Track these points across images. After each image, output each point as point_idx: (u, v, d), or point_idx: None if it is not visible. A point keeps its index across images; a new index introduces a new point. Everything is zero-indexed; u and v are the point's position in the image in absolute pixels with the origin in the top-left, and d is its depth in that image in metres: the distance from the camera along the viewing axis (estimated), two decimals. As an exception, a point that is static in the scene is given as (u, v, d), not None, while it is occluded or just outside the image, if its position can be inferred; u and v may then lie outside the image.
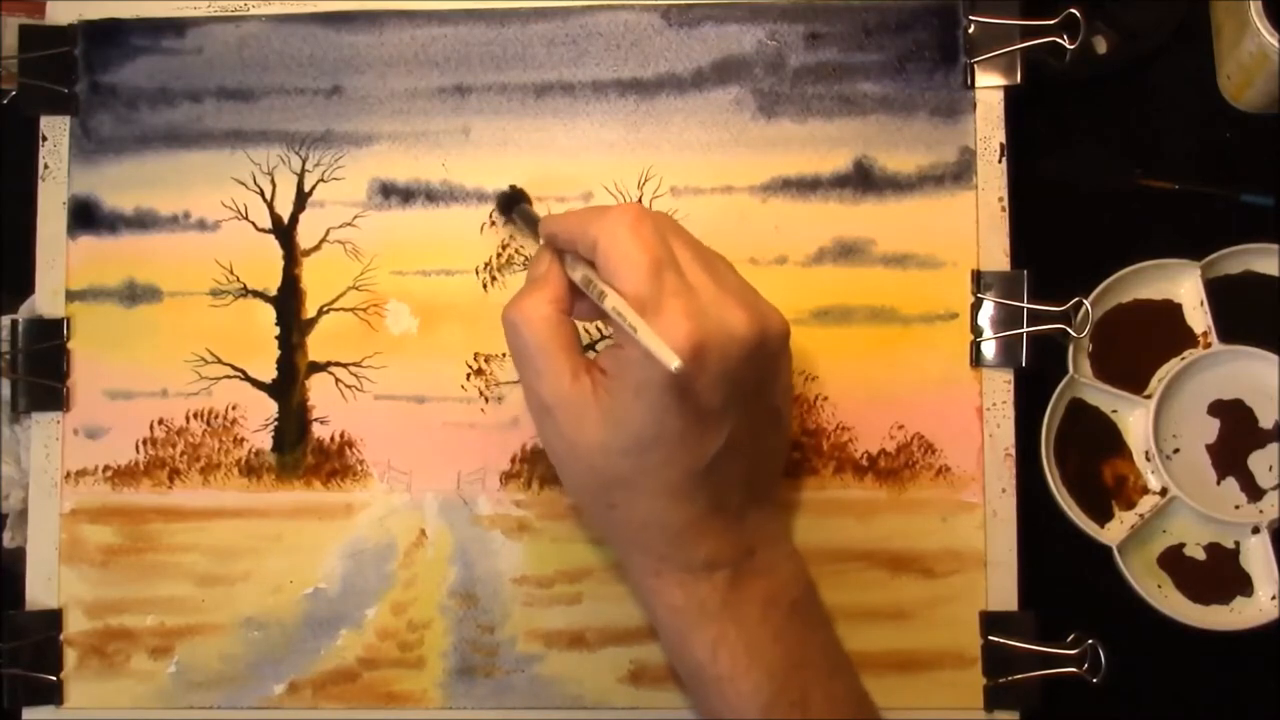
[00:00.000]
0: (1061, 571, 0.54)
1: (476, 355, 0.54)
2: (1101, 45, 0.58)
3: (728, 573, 0.45)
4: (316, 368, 0.55)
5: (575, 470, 0.45)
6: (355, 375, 0.55)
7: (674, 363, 0.38)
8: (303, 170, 0.55)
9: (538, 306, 0.44)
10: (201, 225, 0.55)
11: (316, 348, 0.55)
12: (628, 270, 0.41)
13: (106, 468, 0.55)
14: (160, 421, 0.55)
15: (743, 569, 0.46)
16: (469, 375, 0.54)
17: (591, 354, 0.46)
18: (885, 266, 0.54)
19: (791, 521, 0.53)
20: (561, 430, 0.44)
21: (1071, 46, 0.53)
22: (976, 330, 0.54)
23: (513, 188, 0.54)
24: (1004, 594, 0.53)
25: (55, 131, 0.56)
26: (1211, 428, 0.56)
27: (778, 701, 0.44)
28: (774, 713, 0.44)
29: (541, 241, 0.47)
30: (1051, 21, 0.53)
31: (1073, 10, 0.52)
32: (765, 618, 0.45)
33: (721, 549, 0.45)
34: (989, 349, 0.54)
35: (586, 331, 0.54)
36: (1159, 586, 0.56)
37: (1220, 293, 0.56)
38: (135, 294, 0.55)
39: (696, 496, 0.44)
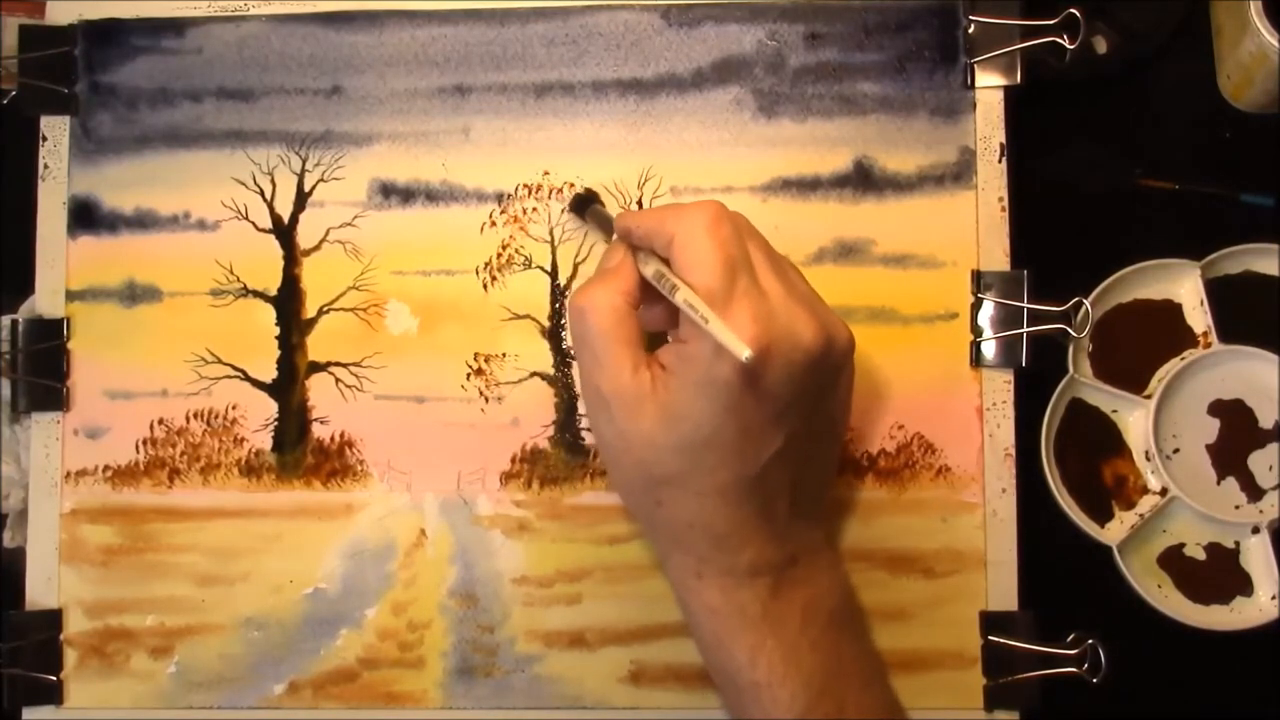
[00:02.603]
0: (1061, 571, 0.54)
1: (476, 355, 0.54)
2: (1101, 45, 0.58)
3: (769, 580, 0.45)
4: (316, 368, 0.55)
5: (625, 464, 0.44)
6: (355, 375, 0.55)
7: (744, 353, 0.38)
8: (303, 170, 0.55)
9: (607, 296, 0.44)
10: (201, 225, 0.55)
11: (316, 348, 0.55)
12: (702, 267, 0.41)
13: (106, 468, 0.55)
14: (160, 421, 0.55)
15: (785, 577, 0.45)
16: (469, 375, 0.54)
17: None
18: (885, 266, 0.54)
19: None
20: (616, 422, 0.43)
21: (1071, 46, 0.53)
22: (976, 330, 0.54)
23: (587, 190, 0.54)
24: (1004, 594, 0.53)
25: (55, 131, 0.56)
26: (1211, 428, 0.56)
27: (813, 710, 0.44)
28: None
29: (615, 236, 0.47)
30: (1051, 21, 0.53)
31: (1073, 10, 0.52)
32: (805, 627, 0.45)
33: (765, 555, 0.45)
34: (989, 349, 0.54)
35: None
36: (1159, 586, 0.56)
37: (1220, 293, 0.56)
38: (135, 294, 0.55)
39: (745, 501, 0.43)
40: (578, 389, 0.54)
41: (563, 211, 0.55)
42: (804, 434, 0.44)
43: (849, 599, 0.49)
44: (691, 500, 0.44)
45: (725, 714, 0.48)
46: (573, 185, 0.55)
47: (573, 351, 0.44)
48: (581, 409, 0.54)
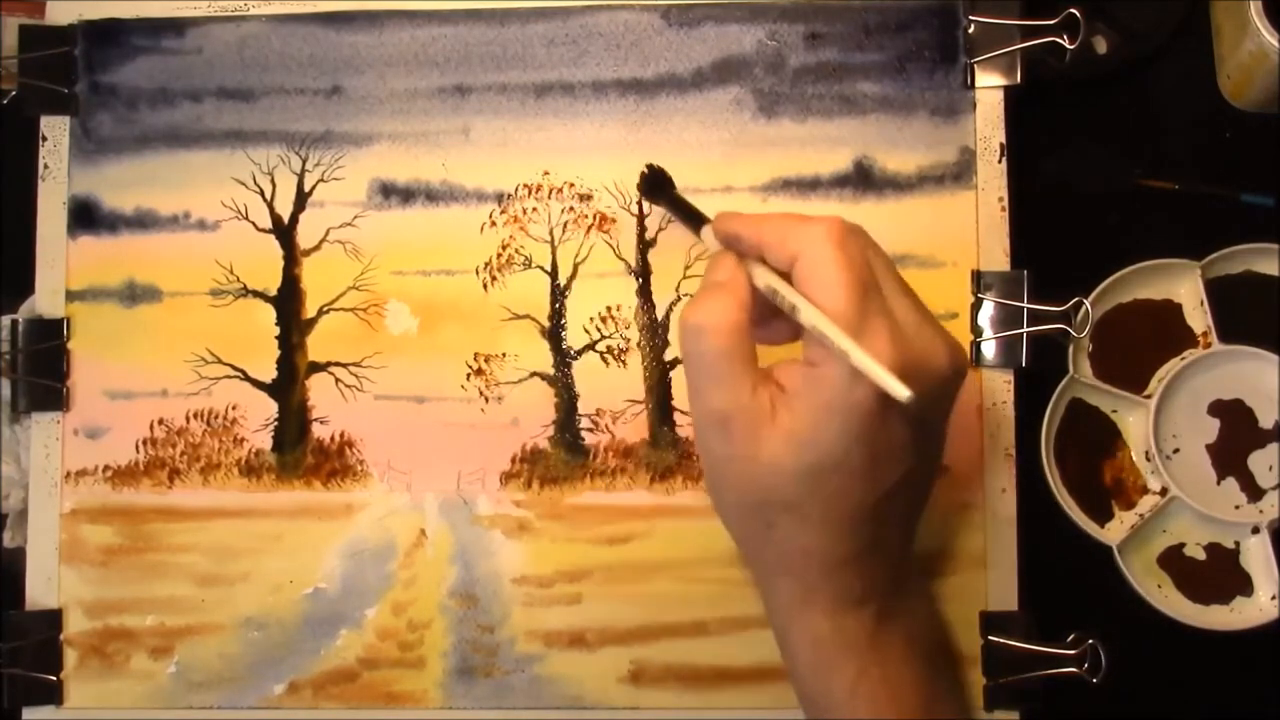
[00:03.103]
0: (1061, 571, 0.54)
1: (476, 355, 0.54)
2: (1101, 45, 0.58)
3: (875, 608, 0.44)
4: (316, 368, 0.55)
5: (740, 487, 0.42)
6: (355, 375, 0.55)
7: (904, 394, 0.37)
8: (303, 170, 0.55)
9: (724, 313, 0.41)
10: (201, 225, 0.55)
11: (316, 348, 0.55)
12: (833, 289, 0.39)
13: (106, 468, 0.55)
14: (160, 421, 0.55)
15: (888, 607, 0.44)
16: (469, 375, 0.54)
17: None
18: (885, 266, 0.54)
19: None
20: (734, 444, 0.41)
21: (1071, 46, 0.53)
22: (976, 330, 0.54)
23: (655, 168, 0.52)
24: (1004, 594, 0.53)
25: (55, 131, 0.56)
26: (1211, 428, 0.56)
27: None
28: None
29: (705, 235, 0.45)
30: (1051, 21, 0.53)
31: (1073, 10, 0.52)
32: (907, 658, 0.44)
33: (875, 586, 0.43)
34: (989, 349, 0.54)
35: (598, 329, 0.54)
36: (1159, 586, 0.56)
37: (1220, 293, 0.56)
38: (135, 294, 0.55)
39: (863, 530, 0.42)
40: (577, 389, 0.54)
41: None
42: (919, 463, 0.42)
43: (945, 630, 0.48)
44: (809, 528, 0.42)
45: (776, 711, 0.47)
46: (573, 185, 0.55)
47: (684, 369, 0.42)
48: (582, 409, 0.54)
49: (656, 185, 0.52)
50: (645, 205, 0.54)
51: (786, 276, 0.41)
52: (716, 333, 0.40)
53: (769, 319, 0.43)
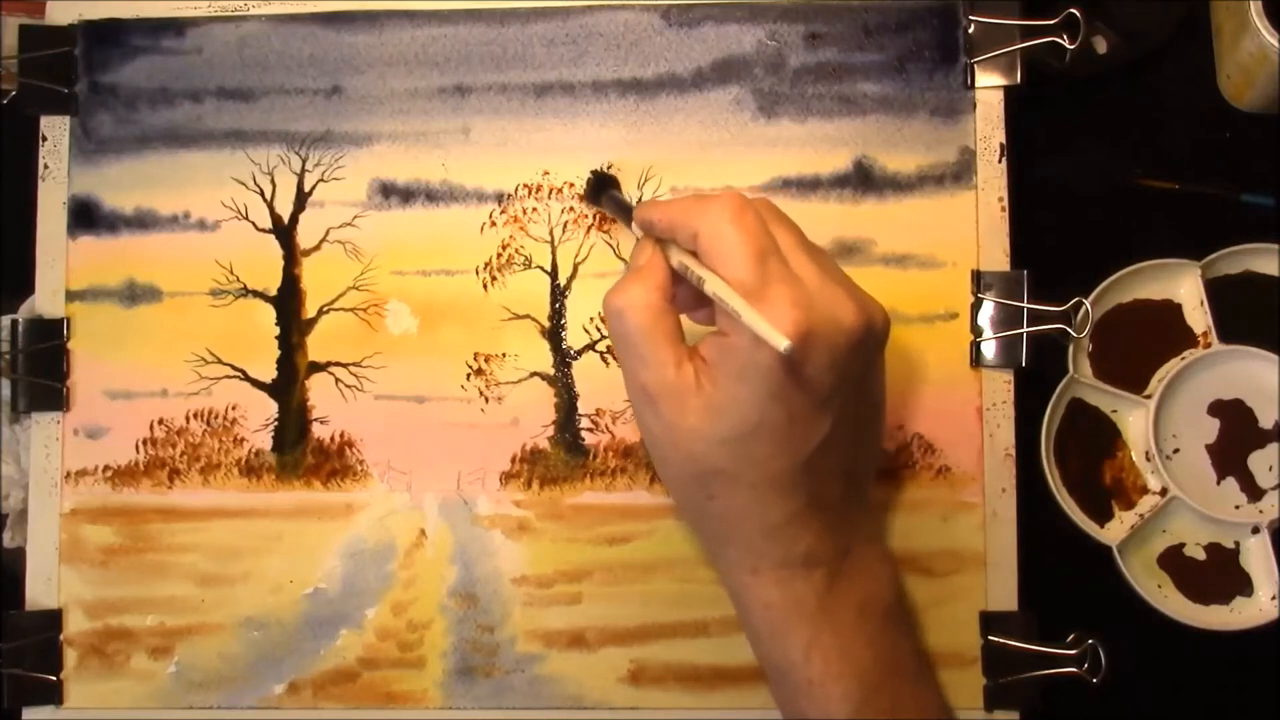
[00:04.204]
0: (1061, 571, 0.54)
1: (476, 355, 0.54)
2: (1101, 45, 0.58)
3: (824, 572, 0.45)
4: (316, 368, 0.55)
5: (674, 459, 0.44)
6: (355, 375, 0.55)
7: (783, 344, 0.38)
8: (303, 170, 0.55)
9: (642, 294, 0.43)
10: (201, 225, 0.55)
11: (316, 348, 0.55)
12: (732, 259, 0.41)
13: (106, 468, 0.55)
14: (160, 421, 0.55)
15: (839, 569, 0.45)
16: (469, 375, 0.54)
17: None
18: (885, 266, 0.54)
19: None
20: (663, 418, 0.43)
21: (1071, 46, 0.53)
22: (976, 330, 0.54)
23: (602, 171, 0.54)
24: (1004, 594, 0.53)
25: (55, 131, 0.56)
26: (1211, 428, 0.56)
27: (866, 707, 0.44)
28: (863, 717, 0.44)
29: (635, 228, 0.47)
30: (1051, 21, 0.53)
31: (1073, 10, 0.52)
32: (860, 622, 0.45)
33: (820, 546, 0.44)
34: (989, 349, 0.54)
35: (598, 329, 0.54)
36: (1159, 586, 0.56)
37: (1220, 293, 0.56)
38: (135, 294, 0.55)
39: (797, 490, 0.43)
40: (577, 389, 0.54)
41: (580, 196, 0.54)
42: (850, 418, 0.44)
43: (901, 594, 0.48)
44: (743, 492, 0.43)
45: (776, 711, 0.47)
46: (573, 185, 0.55)
47: (614, 352, 0.44)
48: (582, 409, 0.54)
49: (599, 188, 0.53)
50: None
51: (698, 255, 0.43)
52: (635, 312, 0.43)
53: (708, 301, 0.44)
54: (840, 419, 0.43)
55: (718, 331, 0.43)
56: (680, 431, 0.43)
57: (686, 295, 0.45)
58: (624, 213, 0.50)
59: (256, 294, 0.55)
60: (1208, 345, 0.56)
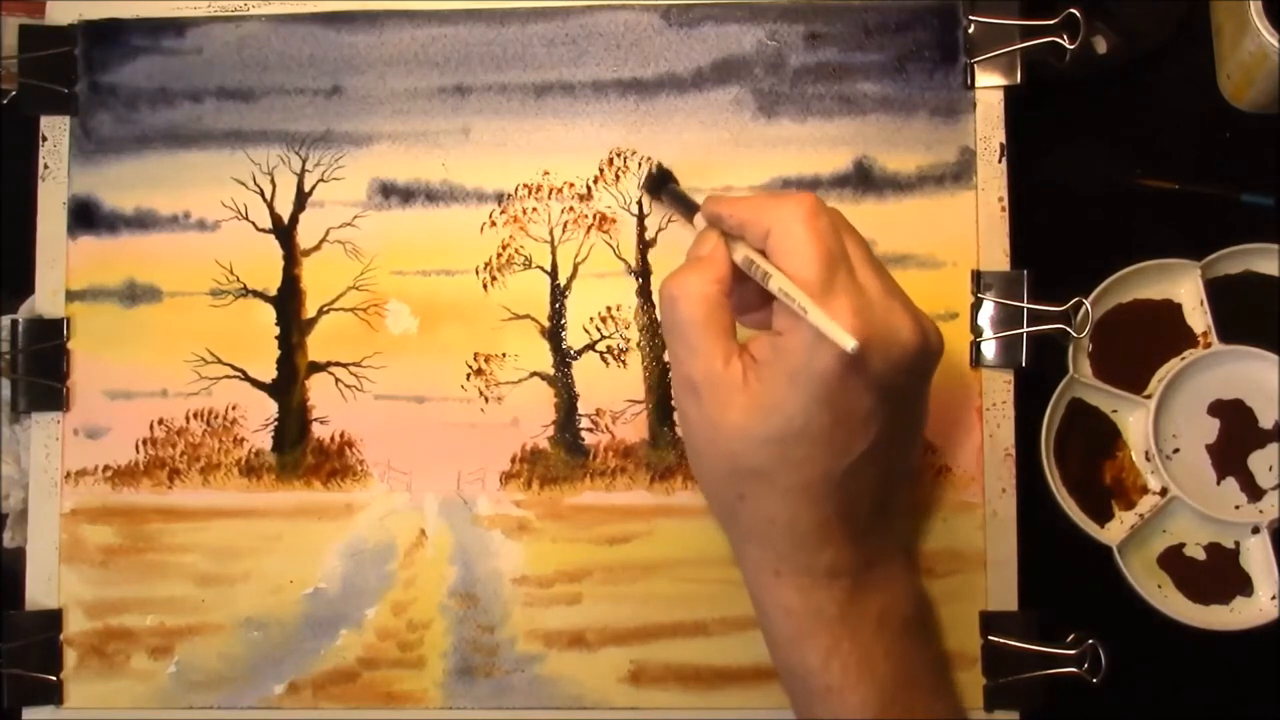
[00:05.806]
0: (1061, 571, 0.54)
1: (476, 355, 0.54)
2: (1101, 45, 0.58)
3: (847, 583, 0.45)
4: (316, 368, 0.55)
5: (711, 454, 0.44)
6: (355, 375, 0.55)
7: (850, 343, 0.38)
8: (303, 170, 0.55)
9: (700, 284, 0.43)
10: (201, 225, 0.55)
11: (316, 348, 0.55)
12: (800, 258, 0.41)
13: (106, 468, 0.55)
14: (160, 421, 0.55)
15: (862, 580, 0.45)
16: (469, 375, 0.54)
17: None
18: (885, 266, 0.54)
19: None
20: (705, 411, 0.43)
21: (1071, 46, 0.53)
22: (976, 330, 0.54)
23: (660, 167, 0.54)
24: (1004, 594, 0.53)
25: (55, 131, 0.56)
26: (1211, 428, 0.56)
27: (883, 717, 0.44)
28: None
29: (697, 221, 0.47)
30: (1051, 21, 0.53)
31: (1073, 10, 0.52)
32: (879, 632, 0.45)
33: (844, 558, 0.44)
34: (989, 349, 0.54)
35: (598, 329, 0.54)
36: (1159, 586, 0.56)
37: (1220, 293, 0.56)
38: (135, 294, 0.55)
39: (829, 499, 0.43)
40: (577, 389, 0.54)
41: (581, 196, 0.54)
42: (890, 436, 0.43)
43: (923, 606, 0.48)
44: (776, 495, 0.43)
45: (791, 713, 0.47)
46: (573, 185, 0.55)
47: (664, 338, 0.44)
48: (582, 409, 0.54)
49: (660, 182, 0.53)
50: (646, 204, 0.54)
51: (766, 253, 0.43)
52: (690, 302, 0.43)
53: (763, 304, 0.44)
54: (881, 435, 0.43)
55: (774, 330, 0.42)
56: (720, 427, 0.43)
57: (742, 295, 0.45)
58: (686, 207, 0.50)
59: (256, 294, 0.55)
60: (1208, 345, 0.56)
